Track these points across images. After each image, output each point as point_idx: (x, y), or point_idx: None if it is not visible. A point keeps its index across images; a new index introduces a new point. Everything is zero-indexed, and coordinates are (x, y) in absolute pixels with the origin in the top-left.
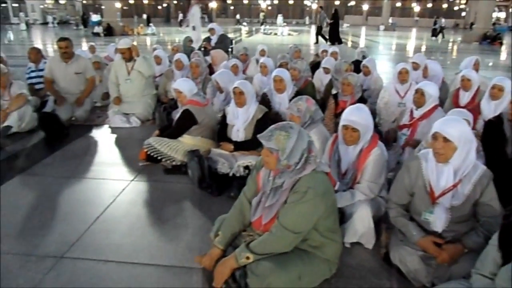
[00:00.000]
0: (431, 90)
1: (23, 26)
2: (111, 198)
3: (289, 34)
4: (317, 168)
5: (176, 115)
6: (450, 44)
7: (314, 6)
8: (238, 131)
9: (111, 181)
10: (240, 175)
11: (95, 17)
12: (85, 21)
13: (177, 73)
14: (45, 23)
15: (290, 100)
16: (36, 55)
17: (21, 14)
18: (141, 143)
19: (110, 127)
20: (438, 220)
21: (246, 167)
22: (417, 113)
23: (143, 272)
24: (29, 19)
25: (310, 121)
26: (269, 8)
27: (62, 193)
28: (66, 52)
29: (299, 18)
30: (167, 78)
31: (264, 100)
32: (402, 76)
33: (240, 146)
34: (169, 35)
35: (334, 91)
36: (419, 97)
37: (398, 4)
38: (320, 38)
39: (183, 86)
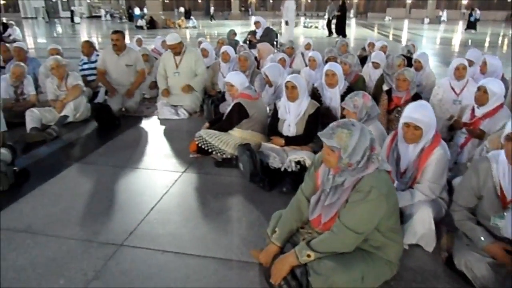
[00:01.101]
0: (495, 88)
1: (77, 19)
2: (165, 189)
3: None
4: (379, 166)
5: (224, 107)
6: (500, 38)
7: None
8: (290, 125)
9: (163, 172)
10: (292, 170)
11: (137, 11)
12: (130, 15)
13: (223, 65)
14: (91, 17)
15: (342, 96)
16: (89, 48)
17: (76, 8)
18: (189, 135)
19: (159, 118)
20: (509, 225)
21: (298, 162)
22: (479, 112)
23: (200, 264)
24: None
25: (366, 117)
26: (309, 1)
27: (117, 182)
28: (117, 45)
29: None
30: (213, 70)
31: (314, 94)
32: (459, 72)
33: (291, 141)
34: (209, 28)
35: (385, 87)
36: (482, 95)
37: None
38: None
39: (235, 79)
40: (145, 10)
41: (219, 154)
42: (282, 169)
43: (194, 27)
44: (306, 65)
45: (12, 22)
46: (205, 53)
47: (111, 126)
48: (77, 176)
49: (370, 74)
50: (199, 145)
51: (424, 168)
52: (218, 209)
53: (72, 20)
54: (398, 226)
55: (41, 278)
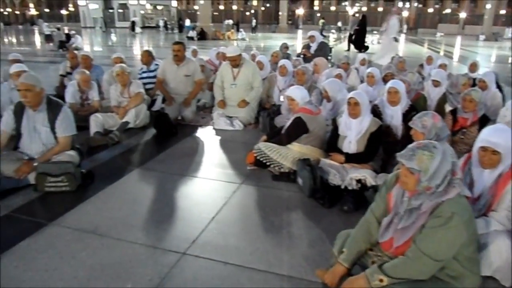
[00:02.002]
0: None
1: (138, 29)
2: (224, 200)
3: (378, 43)
4: (461, 192)
5: (279, 121)
6: None
7: (406, 14)
8: (350, 142)
9: (222, 183)
10: (352, 189)
11: (188, 22)
12: (180, 26)
13: (280, 79)
14: (144, 27)
15: (405, 114)
16: (148, 57)
17: (137, 18)
18: (245, 146)
19: (214, 128)
20: None
21: (359, 181)
22: None
23: (263, 279)
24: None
25: (435, 138)
26: (356, 14)
27: (177, 190)
28: (178, 55)
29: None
30: (269, 83)
31: (375, 112)
32: None
33: (352, 159)
34: (257, 41)
35: (448, 106)
36: None
37: (503, 12)
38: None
39: (296, 93)
40: (191, 22)
41: (276, 168)
42: (342, 186)
43: (243, 39)
44: (362, 81)
45: (74, 32)
46: (260, 65)
47: (168, 134)
48: (138, 182)
49: (429, 92)
50: (257, 157)
51: (501, 196)
52: (278, 224)
53: (133, 30)
54: (477, 256)
55: (110, 280)
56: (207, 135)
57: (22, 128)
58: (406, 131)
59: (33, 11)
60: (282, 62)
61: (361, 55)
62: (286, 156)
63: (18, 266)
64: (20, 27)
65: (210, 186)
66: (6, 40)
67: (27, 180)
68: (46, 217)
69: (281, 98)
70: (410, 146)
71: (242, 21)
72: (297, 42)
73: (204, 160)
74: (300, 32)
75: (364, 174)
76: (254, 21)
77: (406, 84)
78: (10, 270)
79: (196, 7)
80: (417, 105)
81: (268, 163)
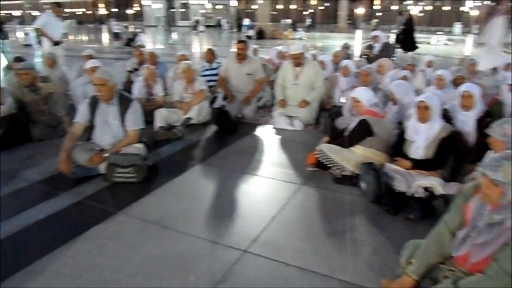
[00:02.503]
0: None
1: (201, 28)
2: (284, 200)
3: (445, 44)
4: None
5: (340, 122)
6: None
7: (475, 12)
8: (418, 148)
9: (282, 182)
10: (419, 197)
11: (246, 21)
12: (239, 25)
13: (342, 80)
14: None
15: (479, 120)
16: (211, 55)
17: (201, 17)
18: (305, 147)
19: (274, 127)
20: None
21: (426, 189)
22: None
23: (326, 284)
24: (191, 22)
25: None
26: (420, 15)
27: (238, 187)
28: (241, 54)
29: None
30: (331, 84)
31: (445, 117)
32: None
33: (419, 165)
34: (314, 40)
35: None
36: None
37: None
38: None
39: (362, 95)
40: (250, 21)
41: (338, 171)
42: (408, 193)
43: (301, 38)
44: (428, 84)
45: (139, 30)
46: (322, 65)
47: (229, 131)
48: (200, 177)
49: (506, 97)
50: (319, 159)
51: None
52: (340, 228)
53: (195, 28)
54: None
55: (173, 271)
56: (266, 134)
57: (95, 121)
58: (479, 138)
59: (102, 11)
60: (345, 62)
61: (427, 57)
62: (349, 159)
63: (90, 250)
64: (91, 26)
65: (270, 185)
66: (77, 38)
67: (98, 170)
68: (115, 205)
69: (343, 99)
70: (494, 156)
71: (300, 21)
72: (355, 42)
73: (264, 158)
74: (360, 32)
75: (432, 182)
76: (309, 20)
77: (481, 88)
78: (83, 254)
79: (254, 7)
80: (492, 111)
81: (329, 165)
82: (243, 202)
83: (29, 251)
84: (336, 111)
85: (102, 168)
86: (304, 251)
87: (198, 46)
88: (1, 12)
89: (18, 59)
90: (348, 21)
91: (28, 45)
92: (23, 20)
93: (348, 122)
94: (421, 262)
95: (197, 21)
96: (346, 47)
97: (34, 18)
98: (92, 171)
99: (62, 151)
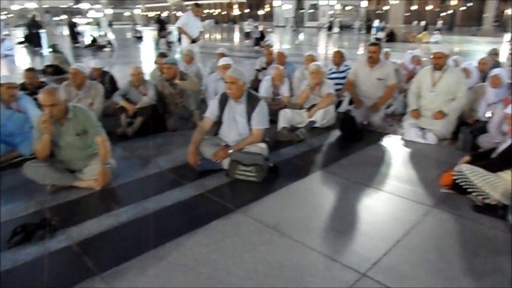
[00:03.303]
0: None
1: (336, 29)
2: (412, 223)
3: None
4: None
5: (484, 140)
6: None
7: None
8: None
9: (410, 202)
10: None
11: (377, 23)
12: (369, 27)
13: (490, 90)
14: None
15: None
16: (339, 58)
17: (337, 19)
18: (437, 164)
19: (403, 139)
20: None
21: None
22: None
23: None
24: (319, 23)
25: None
26: None
27: (360, 201)
28: (372, 57)
29: None
30: (475, 94)
31: None
32: None
33: None
34: (452, 44)
35: None
36: None
37: None
38: None
39: None
40: (380, 22)
41: (480, 197)
42: None
43: (437, 42)
44: None
45: (269, 30)
46: (466, 73)
47: (354, 138)
48: (320, 184)
49: None
50: (457, 181)
51: None
52: (480, 268)
53: (329, 29)
54: None
55: (285, 281)
56: (394, 145)
57: (224, 117)
58: None
59: (236, 12)
60: (496, 71)
61: None
62: (496, 185)
63: (208, 245)
64: (225, 25)
65: (396, 203)
66: (212, 36)
67: (221, 165)
68: (234, 203)
69: (488, 114)
70: None
71: (434, 23)
72: (502, 47)
73: (390, 172)
74: (509, 36)
75: None
76: (440, 22)
77: None
78: (201, 247)
79: (386, 7)
80: None
81: (469, 190)
82: (365, 219)
83: (153, 236)
84: (480, 127)
85: (225, 163)
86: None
87: (324, 47)
88: (158, 12)
89: (162, 55)
90: (495, 23)
91: (170, 43)
92: (169, 20)
93: (495, 141)
94: None
95: (331, 22)
96: (495, 53)
97: (177, 18)
98: (216, 165)
99: (191, 143)
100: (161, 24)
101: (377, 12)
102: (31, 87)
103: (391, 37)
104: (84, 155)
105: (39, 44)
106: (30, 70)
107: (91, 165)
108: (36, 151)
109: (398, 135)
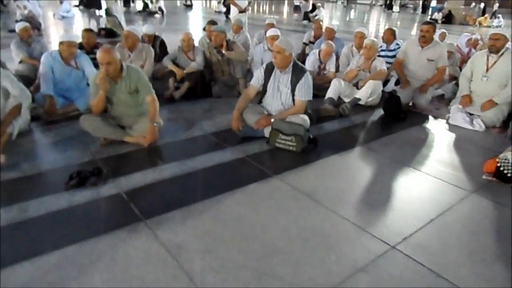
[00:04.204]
0: None
1: (396, 8)
2: (448, 205)
3: None
4: None
5: None
6: None
7: None
8: None
9: (448, 185)
10: None
11: (434, 3)
12: (424, 6)
13: None
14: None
15: None
16: (390, 36)
17: None
18: (483, 152)
19: (448, 123)
20: None
21: None
22: None
23: None
24: (372, 0)
25: None
26: None
27: (397, 179)
28: (425, 36)
29: None
30: None
31: None
32: None
33: None
34: None
35: None
36: None
37: None
38: None
39: None
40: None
41: None
42: None
43: (498, 26)
44: None
45: (320, 4)
46: None
47: (396, 118)
48: (359, 159)
49: None
50: (501, 168)
51: None
52: None
53: (390, 8)
54: None
55: (315, 246)
56: (438, 129)
57: (268, 86)
58: None
59: None
60: None
61: None
62: None
63: (245, 204)
64: None
65: (433, 185)
66: (261, 8)
67: (262, 132)
68: (272, 169)
69: None
70: None
71: (501, 6)
72: None
73: (431, 155)
74: None
75: None
76: (496, 5)
77: None
78: (238, 206)
79: None
80: None
81: None
82: (400, 196)
83: (194, 192)
84: None
85: (267, 131)
86: (460, 266)
87: (375, 25)
88: None
89: (212, 22)
90: None
91: (219, 12)
92: None
93: None
94: None
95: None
96: None
97: None
98: (258, 132)
99: (235, 109)
100: None
101: None
102: (88, 47)
103: (448, 19)
104: (135, 113)
105: (99, 6)
106: (87, 30)
107: (140, 122)
108: (92, 105)
109: (444, 119)
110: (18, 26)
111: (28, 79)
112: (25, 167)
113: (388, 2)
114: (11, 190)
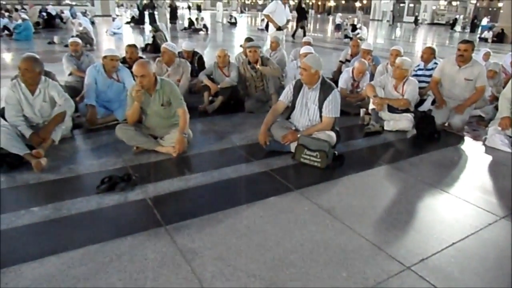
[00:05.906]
0: None
1: (458, 28)
2: (473, 229)
3: None
4: None
5: None
6: None
7: None
8: None
9: (476, 208)
10: None
11: (485, 21)
12: (473, 25)
13: None
14: (432, 23)
15: None
16: (430, 54)
17: (460, 16)
18: None
19: (485, 145)
20: None
21: None
22: None
23: None
24: (420, 19)
25: None
26: None
27: (421, 199)
28: (463, 56)
29: None
30: None
31: None
32: None
33: None
34: None
35: None
36: None
37: None
38: None
39: None
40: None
41: None
42: None
43: None
44: None
45: (361, 23)
46: None
47: (430, 138)
48: (384, 178)
49: None
50: None
51: None
52: None
53: (452, 27)
54: None
55: (328, 260)
56: (473, 151)
57: (296, 102)
58: None
59: (331, 3)
60: None
61: None
62: None
63: (263, 217)
64: (319, 16)
65: (460, 208)
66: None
67: (288, 147)
68: (294, 183)
69: None
70: None
71: None
72: None
73: (462, 177)
74: None
75: None
76: None
77: None
78: (256, 217)
79: (500, 4)
80: None
81: None
82: (422, 217)
83: (215, 201)
84: None
85: (293, 147)
86: None
87: (421, 44)
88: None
89: (248, 39)
90: None
91: (261, 30)
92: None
93: None
94: None
95: (416, 17)
96: None
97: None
98: (284, 147)
99: (263, 124)
100: (301, 13)
101: (489, 9)
102: (130, 61)
103: (500, 38)
104: (167, 124)
105: (154, 22)
106: (131, 46)
107: (171, 133)
108: (127, 116)
109: (480, 141)
110: (69, 41)
111: (76, 90)
112: (64, 170)
113: (452, 21)
114: (49, 191)
